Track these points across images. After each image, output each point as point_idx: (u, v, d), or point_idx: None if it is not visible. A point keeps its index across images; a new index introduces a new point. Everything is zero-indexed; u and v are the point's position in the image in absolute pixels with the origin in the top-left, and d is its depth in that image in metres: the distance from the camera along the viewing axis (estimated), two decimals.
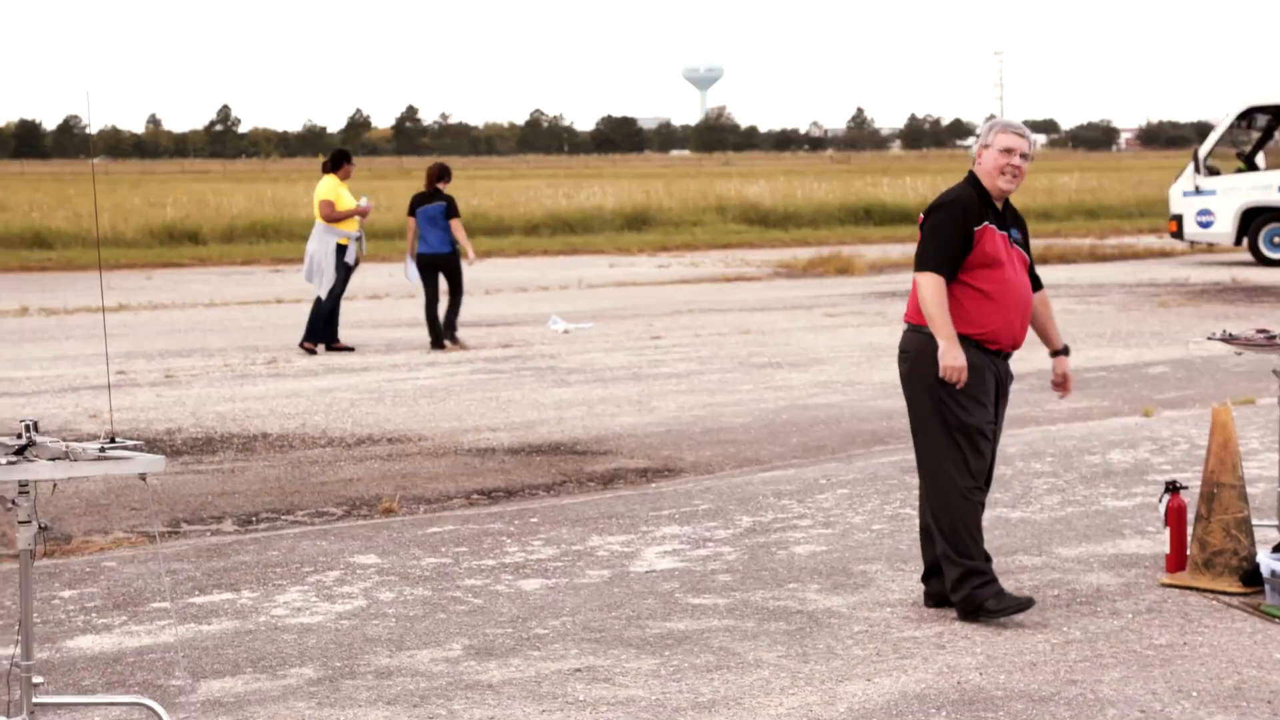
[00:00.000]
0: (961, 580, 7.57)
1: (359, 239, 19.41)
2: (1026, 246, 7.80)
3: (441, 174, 20.12)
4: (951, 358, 7.40)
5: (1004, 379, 7.71)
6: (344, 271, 19.30)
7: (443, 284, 19.80)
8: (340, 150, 20.33)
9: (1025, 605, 7.53)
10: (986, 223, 7.53)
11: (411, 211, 19.91)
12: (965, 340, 7.49)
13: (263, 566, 8.95)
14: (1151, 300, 24.82)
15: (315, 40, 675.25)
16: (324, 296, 19.11)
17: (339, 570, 8.85)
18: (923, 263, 7.52)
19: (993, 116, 7.95)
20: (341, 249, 19.28)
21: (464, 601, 8.19)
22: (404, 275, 20.68)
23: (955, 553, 7.59)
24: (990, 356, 7.59)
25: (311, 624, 7.81)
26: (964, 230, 7.49)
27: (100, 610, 8.09)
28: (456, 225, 19.76)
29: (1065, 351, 8.00)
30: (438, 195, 19.80)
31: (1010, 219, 7.72)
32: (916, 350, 7.57)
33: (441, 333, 19.59)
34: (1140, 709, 6.43)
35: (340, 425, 13.89)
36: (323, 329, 19.21)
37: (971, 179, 7.68)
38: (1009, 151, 7.59)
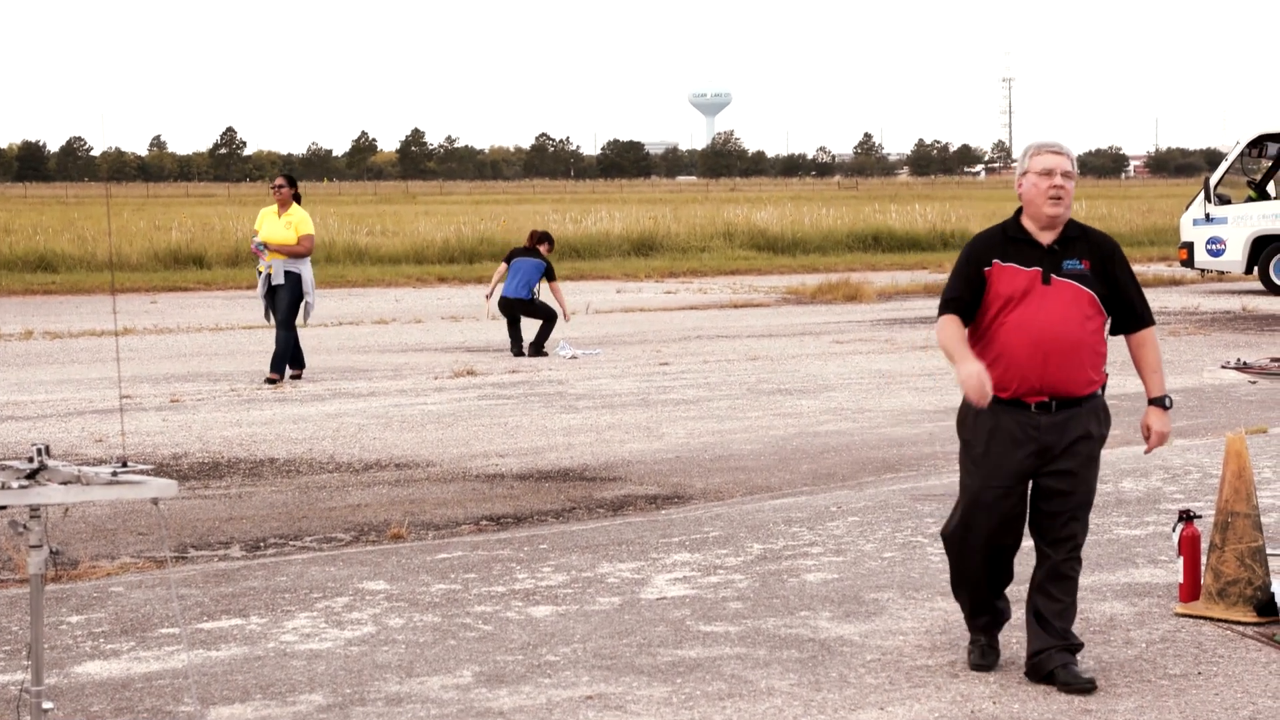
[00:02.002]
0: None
1: (266, 272, 18.77)
2: (1104, 277, 7.05)
3: (544, 239, 22.72)
4: (964, 374, 6.86)
5: (1042, 434, 6.97)
6: (265, 300, 18.95)
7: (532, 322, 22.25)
8: None
9: (982, 667, 7.29)
10: (998, 260, 6.99)
11: (507, 259, 22.53)
12: None
13: (271, 592, 8.91)
14: (1162, 328, 24.75)
15: (320, 62, 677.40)
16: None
17: (348, 596, 8.81)
18: (939, 308, 7.23)
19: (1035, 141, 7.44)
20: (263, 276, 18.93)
21: (474, 628, 8.14)
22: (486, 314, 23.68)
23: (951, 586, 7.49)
24: (1010, 409, 6.98)
25: (321, 650, 7.77)
26: (969, 271, 7.04)
27: (109, 635, 8.05)
28: (556, 288, 22.35)
29: (1159, 403, 7.13)
30: (536, 253, 22.32)
31: (1073, 248, 7.03)
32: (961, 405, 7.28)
33: (521, 341, 21.72)
34: None
35: (348, 450, 13.86)
36: (283, 357, 18.78)
37: (1016, 213, 7.15)
38: (1048, 173, 6.99)
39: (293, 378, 18.80)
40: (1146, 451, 7.36)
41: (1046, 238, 7.04)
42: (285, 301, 18.71)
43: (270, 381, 18.44)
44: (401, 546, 10.16)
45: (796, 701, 6.92)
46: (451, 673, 7.39)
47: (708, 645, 7.78)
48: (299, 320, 18.94)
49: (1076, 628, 7.93)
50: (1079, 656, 7.19)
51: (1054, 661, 7.05)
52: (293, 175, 19.62)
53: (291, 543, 10.44)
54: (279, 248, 18.74)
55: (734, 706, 6.86)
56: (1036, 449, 6.97)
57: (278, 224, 18.81)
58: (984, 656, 7.35)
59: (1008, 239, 7.08)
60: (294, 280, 18.76)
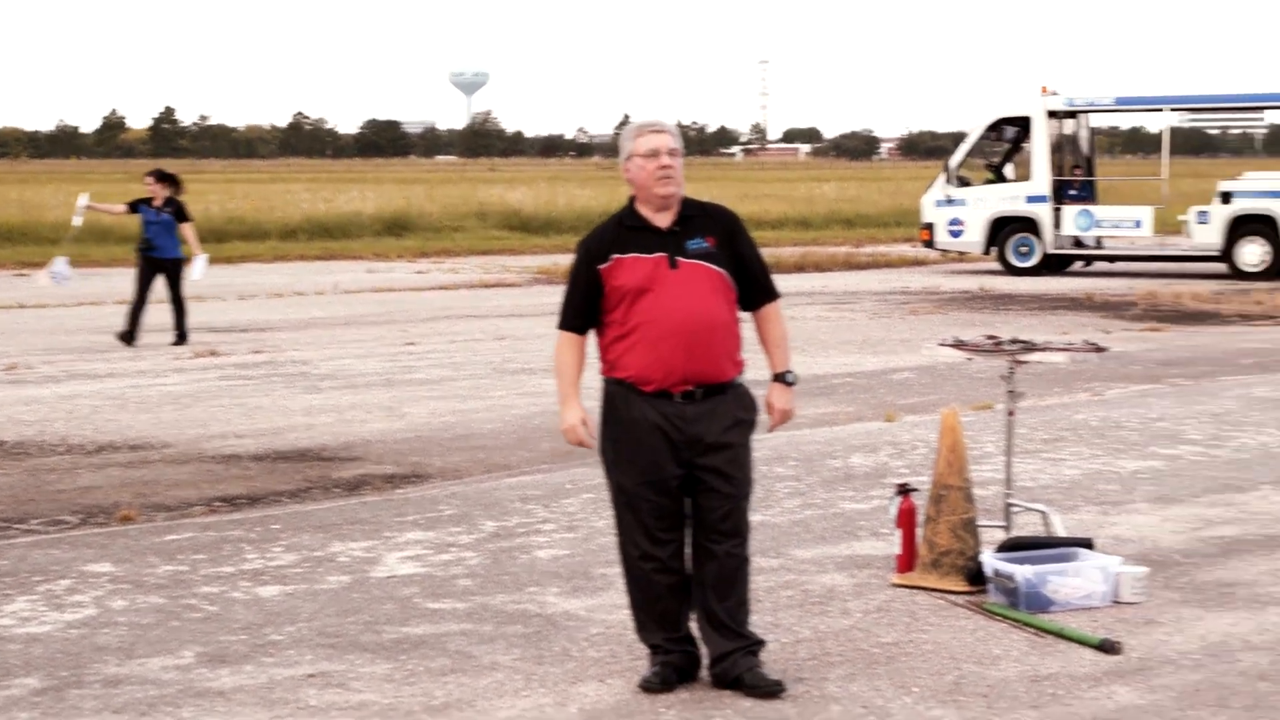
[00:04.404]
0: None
1: None
2: (729, 253, 6.76)
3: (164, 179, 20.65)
4: (565, 424, 6.79)
5: (690, 424, 6.64)
6: None
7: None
8: None
9: (652, 687, 6.77)
10: (617, 254, 6.67)
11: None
12: (621, 384, 6.72)
13: None
14: (902, 308, 25.32)
15: (69, 36, 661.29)
16: None
17: (71, 579, 8.67)
18: (559, 322, 6.99)
19: (627, 122, 7.13)
20: None
21: (199, 609, 8.08)
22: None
23: (633, 614, 7.01)
24: (655, 402, 6.66)
25: (39, 634, 7.65)
26: (586, 275, 6.75)
27: None
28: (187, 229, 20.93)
29: (782, 379, 6.88)
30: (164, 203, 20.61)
31: (694, 227, 6.73)
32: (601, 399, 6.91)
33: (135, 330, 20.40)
34: (863, 705, 6.58)
35: (80, 432, 13.61)
36: None
37: (630, 201, 6.83)
38: (654, 154, 6.68)
39: None
40: (770, 430, 7.05)
41: (664, 220, 6.73)
42: None
43: None
44: (130, 528, 10.02)
45: (518, 675, 6.99)
46: (173, 653, 7.33)
47: (434, 622, 7.82)
48: None
49: (797, 599, 8.15)
50: (760, 656, 6.89)
51: (739, 667, 6.74)
52: None
53: (15, 526, 10.23)
54: None
55: (456, 681, 6.91)
56: (686, 440, 6.64)
57: None
58: (664, 681, 6.84)
59: (624, 229, 6.74)
60: None
